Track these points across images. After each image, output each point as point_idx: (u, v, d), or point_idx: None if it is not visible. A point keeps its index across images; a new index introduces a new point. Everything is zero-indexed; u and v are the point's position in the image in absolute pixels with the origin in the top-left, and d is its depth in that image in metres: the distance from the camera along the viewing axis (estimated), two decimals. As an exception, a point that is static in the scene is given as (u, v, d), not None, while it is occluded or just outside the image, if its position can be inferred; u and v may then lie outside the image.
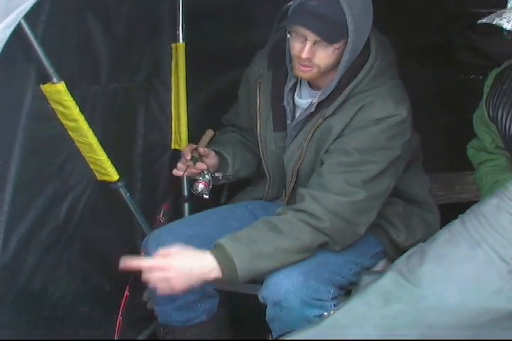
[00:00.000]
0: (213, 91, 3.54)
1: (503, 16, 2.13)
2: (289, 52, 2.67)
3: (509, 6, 2.20)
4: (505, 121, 2.68)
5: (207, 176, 2.85)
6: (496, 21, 2.12)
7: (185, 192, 3.37)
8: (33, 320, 2.57)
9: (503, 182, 2.72)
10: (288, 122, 2.82)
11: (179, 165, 2.86)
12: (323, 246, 2.60)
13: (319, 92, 2.71)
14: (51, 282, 2.66)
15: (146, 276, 2.45)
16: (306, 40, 2.52)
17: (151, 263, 2.47)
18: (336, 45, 2.53)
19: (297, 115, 2.80)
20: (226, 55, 3.48)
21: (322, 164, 2.67)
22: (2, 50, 2.08)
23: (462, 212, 2.38)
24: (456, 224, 2.04)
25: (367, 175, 2.58)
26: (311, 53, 2.54)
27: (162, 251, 2.48)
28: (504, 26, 2.11)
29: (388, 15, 3.68)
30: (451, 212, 3.15)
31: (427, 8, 3.71)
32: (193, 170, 2.84)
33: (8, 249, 2.39)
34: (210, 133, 3.05)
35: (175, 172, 2.87)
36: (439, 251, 1.98)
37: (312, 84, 2.77)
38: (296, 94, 2.80)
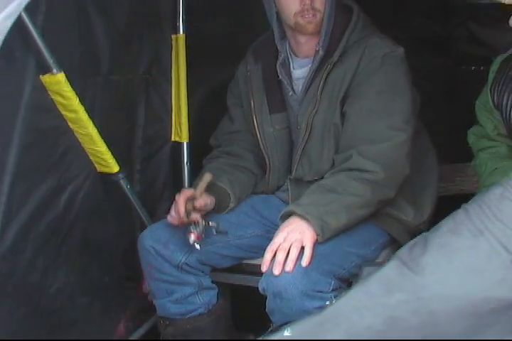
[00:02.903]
0: (215, 83, 3.52)
1: None
2: (277, 22, 2.82)
3: None
4: (510, 108, 2.67)
5: (201, 226, 2.71)
6: None
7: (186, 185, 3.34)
8: (31, 311, 2.57)
9: (503, 170, 2.73)
10: (290, 94, 2.90)
11: (173, 215, 2.75)
12: (382, 202, 2.70)
13: (319, 40, 2.78)
14: (50, 273, 2.66)
15: (280, 250, 2.51)
16: None
17: (275, 243, 2.53)
18: None
19: (296, 87, 2.88)
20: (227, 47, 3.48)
21: (345, 118, 2.76)
22: (2, 42, 2.07)
23: (463, 203, 2.37)
24: (459, 213, 2.04)
25: (403, 116, 2.71)
26: None
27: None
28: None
29: (389, 7, 3.69)
30: (451, 203, 3.15)
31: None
32: (187, 221, 2.74)
33: (6, 240, 2.39)
34: (207, 178, 2.77)
35: (169, 219, 2.77)
36: (441, 241, 1.98)
37: (299, 55, 2.87)
38: (291, 68, 2.90)
